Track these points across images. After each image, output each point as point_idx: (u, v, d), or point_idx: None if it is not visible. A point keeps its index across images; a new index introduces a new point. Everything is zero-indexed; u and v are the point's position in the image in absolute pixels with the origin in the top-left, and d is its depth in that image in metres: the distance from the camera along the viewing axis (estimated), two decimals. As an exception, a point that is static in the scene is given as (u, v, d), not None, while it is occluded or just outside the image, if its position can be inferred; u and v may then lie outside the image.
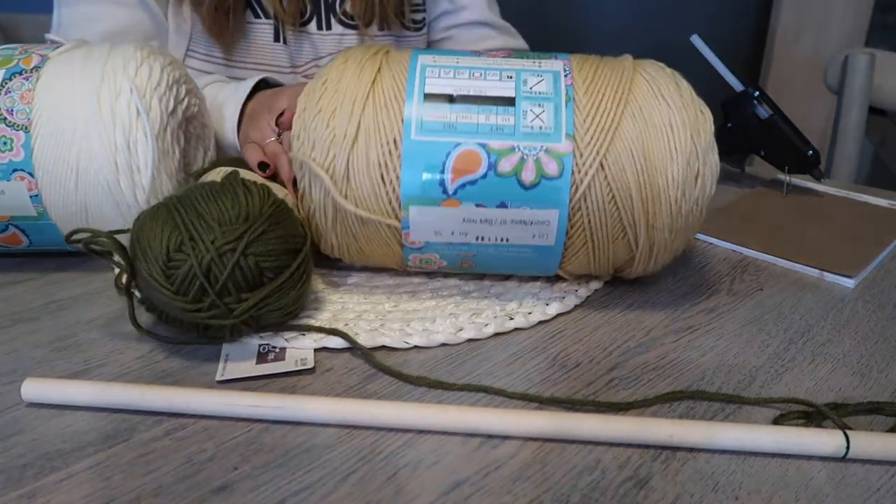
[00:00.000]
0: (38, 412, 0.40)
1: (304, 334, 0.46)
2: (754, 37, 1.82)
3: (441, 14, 0.89)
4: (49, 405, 0.40)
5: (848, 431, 0.37)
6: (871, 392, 0.43)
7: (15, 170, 0.49)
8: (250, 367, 0.44)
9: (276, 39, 0.78)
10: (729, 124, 0.74)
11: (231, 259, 0.41)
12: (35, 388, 0.40)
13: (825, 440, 0.37)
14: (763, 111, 0.72)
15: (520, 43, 0.94)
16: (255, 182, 0.46)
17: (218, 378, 0.43)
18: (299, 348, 0.45)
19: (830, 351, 0.47)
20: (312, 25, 0.80)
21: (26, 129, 0.49)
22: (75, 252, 0.57)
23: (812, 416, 0.40)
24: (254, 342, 0.46)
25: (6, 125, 0.49)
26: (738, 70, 0.74)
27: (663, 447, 0.38)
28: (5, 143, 0.49)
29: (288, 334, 0.46)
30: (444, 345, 0.47)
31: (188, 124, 0.58)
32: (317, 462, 0.36)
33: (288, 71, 0.80)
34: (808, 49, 1.75)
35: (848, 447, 0.37)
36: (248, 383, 0.42)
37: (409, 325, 0.48)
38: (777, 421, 0.40)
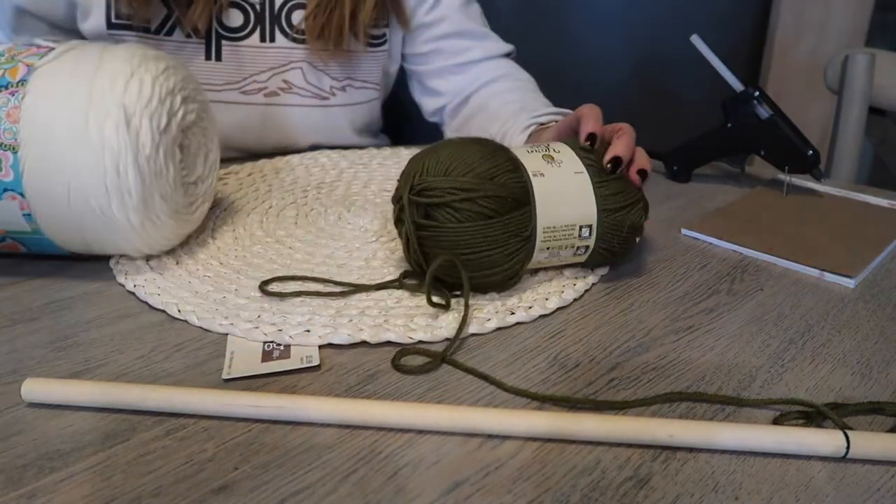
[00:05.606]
0: (38, 412, 0.40)
1: (308, 331, 0.47)
2: (754, 37, 1.82)
3: (420, 26, 0.86)
4: (49, 405, 0.40)
5: (848, 431, 0.37)
6: (871, 392, 0.43)
7: (6, 189, 0.48)
8: (255, 365, 0.44)
9: (208, 58, 0.77)
10: (729, 124, 0.74)
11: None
12: (35, 388, 0.40)
13: (825, 440, 0.37)
14: (763, 111, 0.72)
15: (501, 48, 0.89)
16: None
17: (224, 376, 0.43)
18: (304, 345, 0.46)
19: (830, 351, 0.47)
20: (255, 38, 0.78)
21: (14, 150, 0.48)
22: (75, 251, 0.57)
23: (812, 416, 0.40)
24: (258, 340, 0.46)
25: None
26: (738, 70, 0.74)
27: (663, 447, 0.38)
28: None
29: (293, 331, 0.46)
30: (447, 339, 0.47)
31: (185, 133, 0.56)
32: (317, 462, 0.36)
33: (220, 88, 0.79)
34: (807, 49, 1.75)
35: (848, 447, 0.37)
36: (251, 382, 0.43)
37: (412, 321, 0.48)
38: (777, 421, 0.40)
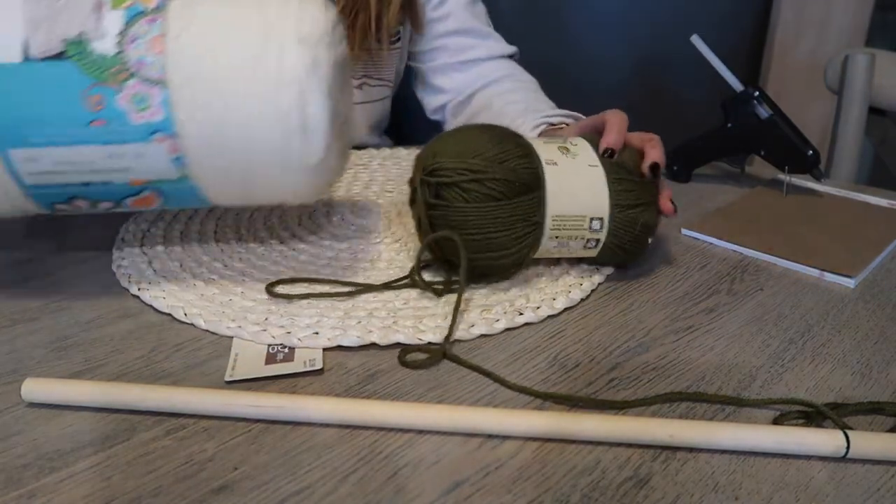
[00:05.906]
0: (38, 412, 0.40)
1: (316, 333, 0.46)
2: (754, 37, 1.82)
3: (429, 22, 0.86)
4: (49, 405, 0.40)
5: (848, 431, 0.37)
6: (871, 392, 0.43)
7: (155, 131, 0.42)
8: (259, 368, 0.44)
9: None
10: (729, 124, 0.74)
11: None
12: (35, 388, 0.40)
13: (825, 440, 0.37)
14: (763, 111, 0.72)
15: (505, 49, 0.89)
16: None
17: (227, 378, 0.43)
18: (311, 347, 0.45)
19: (830, 351, 0.47)
20: None
21: (163, 84, 0.42)
22: (76, 250, 0.57)
23: (812, 416, 0.40)
24: (266, 343, 0.46)
25: (138, 79, 0.41)
26: (738, 70, 0.74)
27: (663, 447, 0.38)
28: (141, 101, 0.42)
29: (301, 333, 0.46)
30: (457, 340, 0.47)
31: (340, 71, 0.49)
32: (317, 462, 0.36)
33: None
34: (808, 49, 1.75)
35: (848, 447, 0.37)
36: (251, 382, 0.42)
37: (421, 322, 0.48)
38: (777, 421, 0.40)
